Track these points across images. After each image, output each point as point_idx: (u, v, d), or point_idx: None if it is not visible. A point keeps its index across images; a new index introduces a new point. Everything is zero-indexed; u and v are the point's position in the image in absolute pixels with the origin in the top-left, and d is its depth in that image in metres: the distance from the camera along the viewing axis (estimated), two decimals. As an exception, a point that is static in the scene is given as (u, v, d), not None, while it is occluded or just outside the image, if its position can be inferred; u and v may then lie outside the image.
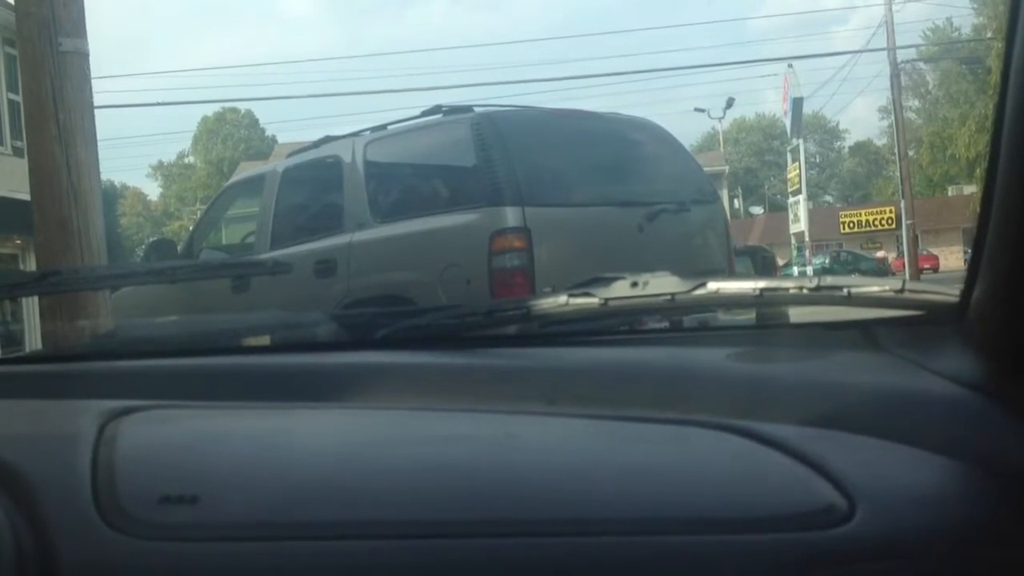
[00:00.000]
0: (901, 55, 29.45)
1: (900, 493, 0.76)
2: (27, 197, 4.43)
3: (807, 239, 27.46)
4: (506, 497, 0.77)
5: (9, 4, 7.82)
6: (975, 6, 40.13)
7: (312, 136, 6.77)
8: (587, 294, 1.11)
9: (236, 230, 8.27)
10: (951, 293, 0.94)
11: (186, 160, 68.83)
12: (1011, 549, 0.73)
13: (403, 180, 5.95)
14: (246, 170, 14.84)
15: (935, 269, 36.41)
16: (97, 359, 1.26)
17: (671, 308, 1.11)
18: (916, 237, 28.19)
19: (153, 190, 70.44)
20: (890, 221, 40.03)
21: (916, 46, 42.37)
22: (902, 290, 0.99)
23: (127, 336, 1.74)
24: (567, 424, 0.93)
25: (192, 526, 0.71)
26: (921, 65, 45.78)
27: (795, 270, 26.60)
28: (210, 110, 63.17)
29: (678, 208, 5.48)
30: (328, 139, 6.32)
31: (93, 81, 4.41)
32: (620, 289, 1.11)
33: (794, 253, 28.30)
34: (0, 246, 15.76)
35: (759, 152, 67.04)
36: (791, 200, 29.29)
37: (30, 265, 14.21)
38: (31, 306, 10.76)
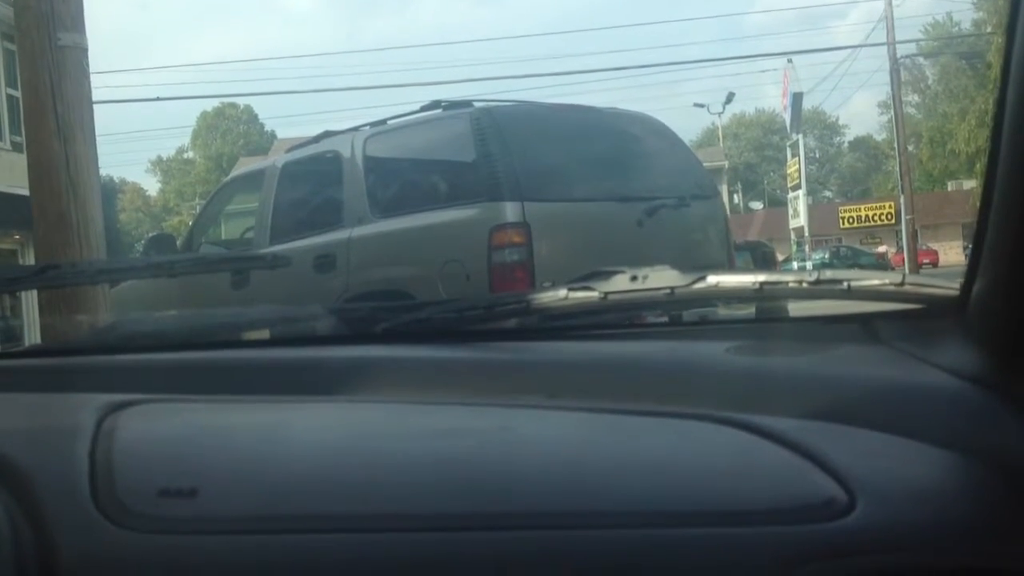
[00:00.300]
0: (901, 50, 29.47)
1: (900, 486, 0.76)
2: (26, 192, 4.43)
3: (807, 234, 27.50)
4: (506, 490, 0.77)
5: (8, -1, 7.81)
6: (975, 1, 40.15)
7: (311, 131, 6.78)
8: (587, 288, 1.11)
9: (235, 225, 8.27)
10: (951, 287, 0.94)
11: (185, 155, 68.82)
12: (1011, 542, 0.73)
13: (402, 175, 5.94)
14: (245, 165, 14.84)
15: (934, 264, 36.43)
16: (96, 353, 1.26)
17: (671, 302, 1.11)
18: (915, 232, 28.20)
19: (152, 185, 70.51)
20: (889, 216, 40.06)
21: (916, 41, 42.45)
22: (902, 283, 0.99)
23: (126, 330, 1.73)
24: (567, 418, 0.93)
25: (190, 519, 0.71)
26: (921, 60, 45.83)
27: (795, 265, 26.64)
28: (209, 105, 63.23)
29: (677, 203, 5.48)
30: (327, 134, 6.31)
31: (92, 76, 4.41)
32: (620, 283, 1.11)
33: (794, 248, 28.34)
34: (0, 241, 15.76)
35: (759, 147, 67.04)
36: (791, 195, 29.34)
37: (29, 260, 14.21)
38: (30, 300, 10.77)
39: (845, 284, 1.01)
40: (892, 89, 28.60)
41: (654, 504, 0.74)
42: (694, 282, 1.07)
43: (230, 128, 64.78)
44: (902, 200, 27.86)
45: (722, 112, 45.40)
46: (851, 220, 44.93)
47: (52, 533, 0.69)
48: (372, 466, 0.81)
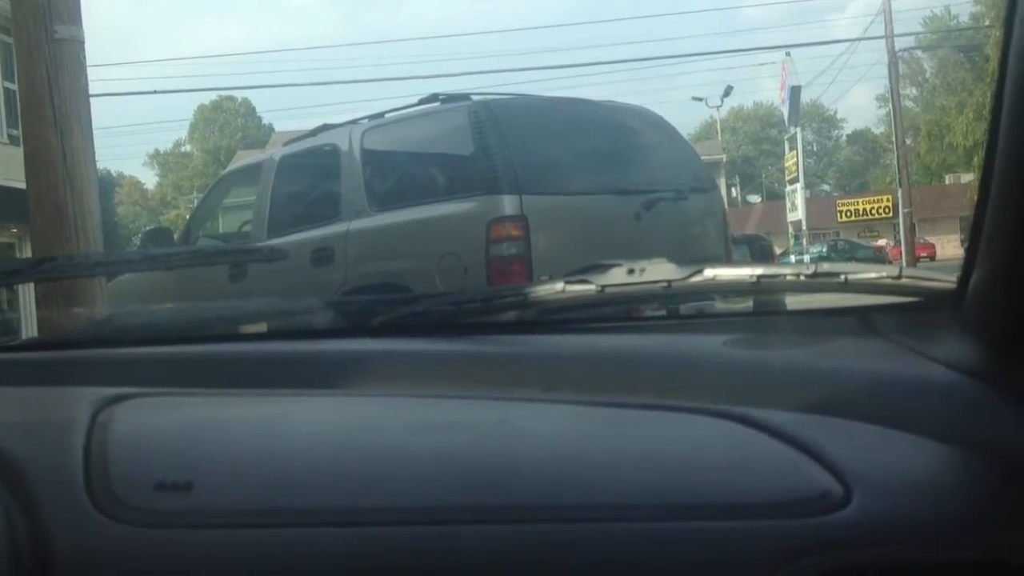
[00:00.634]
0: (899, 43, 29.44)
1: (896, 479, 0.76)
2: (23, 185, 4.43)
3: (804, 228, 27.50)
4: (503, 483, 0.77)
5: (4, -9, 7.80)
6: (973, -6, 40.14)
7: (309, 124, 6.77)
8: (584, 281, 1.11)
9: (233, 219, 8.27)
10: (948, 279, 0.94)
11: (183, 149, 68.75)
12: (1008, 534, 0.73)
13: (400, 168, 5.94)
14: (243, 159, 14.82)
15: (932, 258, 36.44)
16: (92, 346, 1.26)
17: (668, 295, 1.11)
18: (913, 225, 28.18)
19: (150, 179, 70.41)
20: (887, 210, 40.08)
21: (914, 34, 42.41)
22: (899, 276, 0.99)
23: (122, 323, 1.73)
24: (564, 411, 0.93)
25: (186, 513, 0.71)
26: (919, 53, 45.84)
27: (792, 259, 26.65)
28: (207, 98, 63.12)
29: (675, 196, 5.48)
30: (325, 127, 6.31)
31: (89, 69, 4.40)
32: (617, 276, 1.11)
33: (791, 242, 28.36)
34: (-4, 235, 15.75)
35: (757, 141, 67.03)
36: (788, 189, 29.34)
37: (27, 254, 14.20)
38: (27, 293, 10.76)
39: (842, 277, 1.01)
40: (890, 82, 28.57)
41: (651, 497, 0.74)
42: (691, 275, 1.07)
43: (228, 121, 64.71)
44: (900, 193, 27.86)
45: (720, 105, 45.42)
46: (849, 214, 44.94)
47: (47, 526, 0.68)
48: (369, 459, 0.80)
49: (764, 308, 1.26)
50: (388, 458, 0.81)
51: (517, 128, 5.30)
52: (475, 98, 5.59)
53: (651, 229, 5.22)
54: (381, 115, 5.98)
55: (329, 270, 5.43)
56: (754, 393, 0.88)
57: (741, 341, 1.05)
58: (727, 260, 6.00)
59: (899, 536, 0.71)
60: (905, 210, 27.00)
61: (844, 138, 72.00)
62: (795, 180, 27.85)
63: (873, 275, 1.01)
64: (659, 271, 1.09)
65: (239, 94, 61.94)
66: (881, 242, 38.53)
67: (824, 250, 34.83)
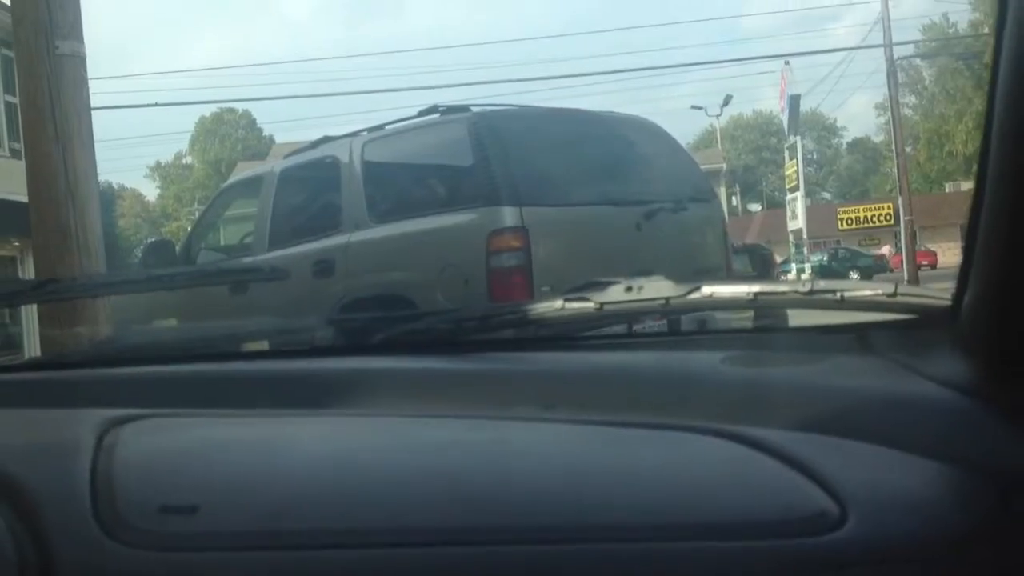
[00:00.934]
0: (898, 51, 29.44)
1: (892, 498, 0.76)
2: (24, 199, 4.44)
3: (805, 236, 27.47)
4: (502, 503, 0.77)
5: (5, 6, 7.82)
6: (971, 2, 40.19)
7: (310, 136, 6.78)
8: (583, 298, 1.12)
9: (234, 231, 8.28)
10: (943, 297, 0.94)
11: (184, 161, 68.80)
12: (1004, 552, 0.73)
13: (401, 180, 5.95)
14: (244, 170, 14.84)
15: (933, 265, 36.42)
16: (95, 366, 1.27)
17: (666, 312, 1.11)
18: (914, 233, 28.13)
19: (151, 191, 70.46)
20: (888, 217, 40.04)
21: (913, 42, 42.40)
22: (895, 294, 1.00)
23: (125, 343, 1.74)
24: (562, 429, 0.93)
25: (192, 536, 0.71)
26: (918, 61, 45.81)
27: (793, 267, 26.62)
28: (207, 110, 63.20)
29: (675, 207, 5.49)
30: (326, 139, 6.32)
31: (90, 82, 4.42)
32: (615, 293, 1.11)
33: (792, 250, 28.32)
34: (-2, 248, 15.75)
35: (757, 149, 67.06)
36: (789, 197, 29.32)
37: (28, 267, 14.19)
38: (30, 312, 10.77)
39: (838, 294, 1.01)
40: (889, 91, 28.56)
41: (648, 517, 0.75)
42: (689, 292, 1.08)
43: (228, 133, 64.79)
44: (900, 201, 27.83)
45: (720, 114, 45.45)
46: (850, 221, 44.91)
47: (54, 549, 0.69)
48: (370, 480, 0.81)
49: (762, 325, 1.27)
50: (389, 478, 0.81)
51: (516, 139, 5.31)
52: (474, 110, 5.61)
53: (651, 239, 5.23)
54: (381, 127, 6.00)
55: (330, 282, 5.44)
56: (751, 411, 0.89)
57: (739, 358, 1.06)
58: (727, 270, 6.01)
59: (895, 555, 0.72)
60: (906, 218, 26.97)
61: (844, 146, 72.05)
62: (795, 188, 27.83)
63: (869, 292, 1.01)
64: (657, 288, 1.10)
65: (239, 106, 62.07)
66: (884, 249, 38.49)
67: (825, 258, 34.81)
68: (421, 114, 5.82)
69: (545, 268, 4.83)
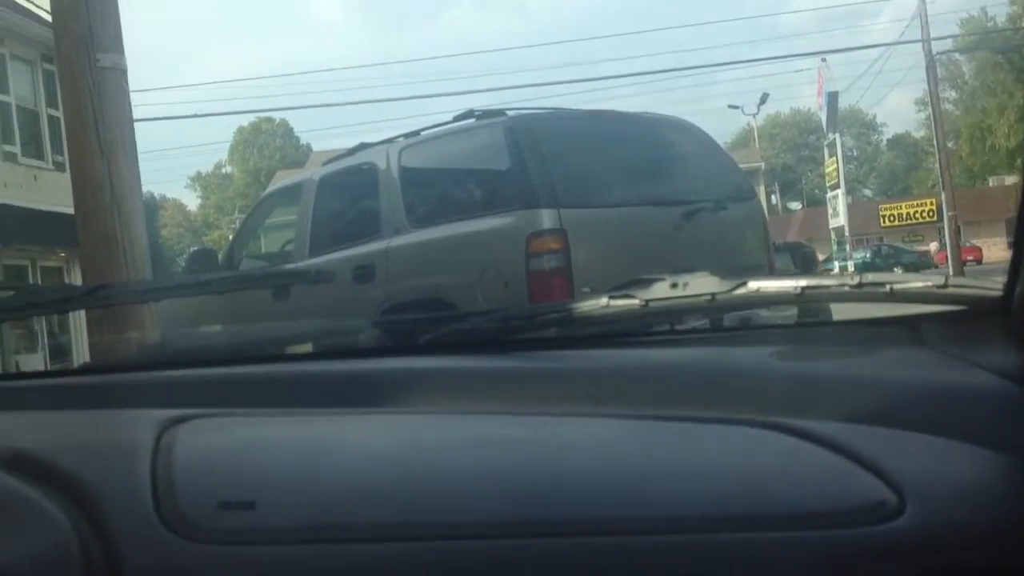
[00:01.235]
0: (936, 46, 29.12)
1: (949, 487, 0.76)
2: (70, 211, 4.51)
3: (847, 234, 27.24)
4: (552, 498, 0.78)
5: (47, 22, 7.96)
6: (1010, -6, 39.63)
7: (347, 144, 6.83)
8: (627, 296, 1.12)
9: (275, 238, 8.34)
10: (994, 287, 0.94)
11: (224, 170, 69.50)
12: None
13: (438, 185, 5.97)
14: (283, 179, 14.95)
15: (978, 261, 35.92)
16: (149, 369, 1.29)
17: (712, 308, 1.11)
18: (958, 229, 27.81)
19: (192, 201, 71.28)
20: (931, 213, 39.55)
21: (951, 37, 41.85)
22: (945, 285, 0.99)
23: (176, 346, 1.77)
24: (612, 425, 0.93)
25: (251, 531, 0.73)
26: (957, 56, 45.25)
27: (835, 265, 26.39)
28: (246, 120, 63.81)
29: (715, 206, 5.45)
30: (363, 146, 6.36)
31: (131, 95, 4.48)
32: (660, 290, 1.11)
33: (834, 248, 28.10)
34: (45, 259, 16.00)
35: (795, 147, 66.52)
36: (830, 195, 29.12)
37: (75, 277, 14.40)
38: (78, 318, 10.93)
39: (888, 287, 1.01)
40: (929, 86, 28.24)
41: (704, 509, 0.75)
42: (735, 288, 1.08)
43: (267, 142, 65.34)
44: (943, 197, 27.53)
45: (757, 113, 45.05)
46: (892, 218, 44.40)
47: (118, 546, 0.71)
48: (422, 476, 0.82)
49: (809, 319, 1.26)
50: (441, 474, 0.82)
51: (553, 142, 5.31)
52: (510, 113, 5.61)
53: (691, 240, 5.20)
54: (417, 133, 6.02)
55: (370, 287, 5.47)
56: (803, 404, 0.89)
57: (787, 352, 1.06)
58: (769, 269, 5.96)
59: (953, 543, 0.72)
60: (949, 213, 26.67)
61: (884, 143, 71.29)
62: (836, 186, 27.64)
63: (919, 284, 1.00)
64: (702, 284, 1.10)
65: (277, 115, 62.58)
66: (932, 246, 37.91)
67: (868, 256, 34.43)
68: (457, 119, 5.83)
69: (584, 270, 4.82)
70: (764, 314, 1.34)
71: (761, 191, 32.39)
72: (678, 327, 1.31)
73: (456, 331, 1.30)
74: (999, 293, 0.90)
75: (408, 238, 5.48)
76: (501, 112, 5.67)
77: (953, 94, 49.19)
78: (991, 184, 43.94)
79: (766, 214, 7.12)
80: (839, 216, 27.45)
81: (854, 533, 0.71)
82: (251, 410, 1.01)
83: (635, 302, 1.11)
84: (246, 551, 0.71)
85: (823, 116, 28.97)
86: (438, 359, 1.18)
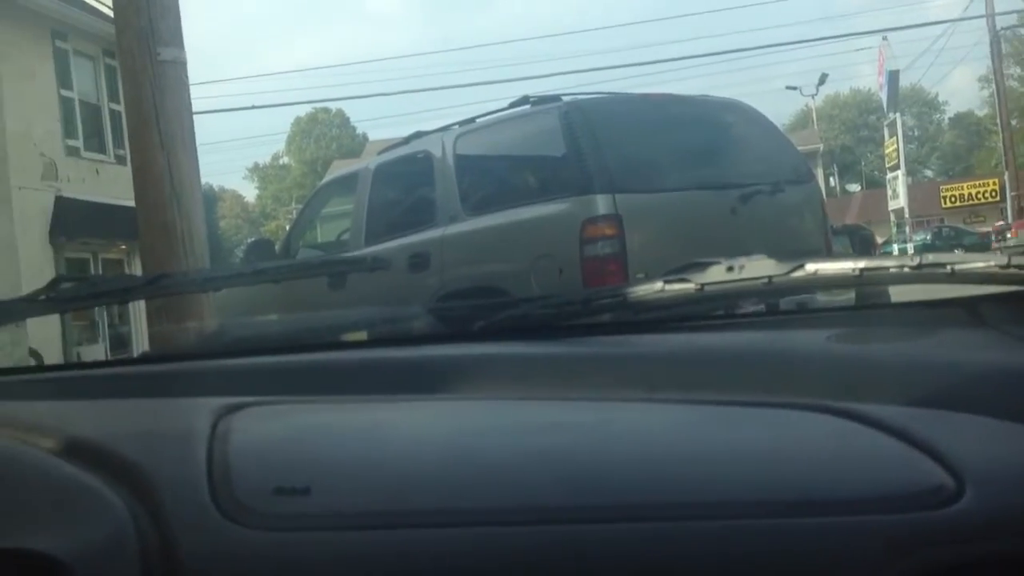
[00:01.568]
0: (1001, 21, 28.45)
1: (1009, 471, 0.74)
2: (130, 203, 4.58)
3: (907, 215, 26.80)
4: (608, 483, 0.77)
5: (108, 17, 8.10)
6: (1078, -34, 38.54)
7: (402, 132, 6.86)
8: (683, 280, 1.11)
9: (331, 228, 8.41)
10: None
11: (281, 161, 70.19)
12: None
13: (493, 172, 5.98)
14: (339, 168, 15.05)
15: (1043, 241, 35.09)
16: (206, 358, 1.30)
17: (769, 291, 1.10)
18: (1021, 209, 27.20)
19: (250, 192, 72.12)
20: (994, 194, 38.71)
21: (1017, 12, 40.80)
22: (1008, 265, 0.97)
23: (233, 335, 1.79)
24: (668, 410, 0.93)
25: (306, 516, 0.73)
26: (1022, 31, 44.13)
27: (895, 248, 25.98)
28: (302, 111, 64.38)
29: (772, 189, 5.39)
30: (418, 135, 6.38)
31: (191, 88, 4.54)
32: (716, 274, 1.10)
33: (894, 230, 27.67)
34: (106, 251, 16.31)
35: (854, 128, 65.47)
36: (889, 176, 28.65)
37: (135, 269, 14.67)
38: (137, 309, 11.13)
39: (948, 268, 0.99)
40: (992, 62, 27.65)
41: (761, 494, 0.74)
42: (792, 270, 1.06)
43: (323, 132, 65.85)
44: (1007, 176, 26.93)
45: (815, 94, 44.43)
46: (953, 199, 43.52)
47: (175, 532, 0.72)
48: (475, 463, 0.82)
49: (868, 301, 1.24)
50: (496, 460, 0.82)
51: (609, 127, 5.28)
52: (566, 99, 5.60)
53: (748, 223, 5.15)
54: (472, 120, 6.02)
55: (426, 275, 5.49)
56: (861, 388, 0.87)
57: (846, 335, 1.04)
58: (827, 252, 5.88)
59: (1014, 529, 0.70)
60: (1012, 193, 26.10)
61: (946, 122, 69.82)
62: (896, 167, 27.18)
63: (980, 264, 0.98)
64: (759, 267, 1.08)
65: (333, 105, 63.03)
66: (999, 224, 37.05)
67: (928, 237, 33.80)
68: (512, 106, 5.83)
69: (639, 255, 4.80)
70: (821, 298, 1.32)
71: (819, 173, 31.97)
72: (734, 311, 1.29)
73: (510, 317, 1.30)
74: None
75: (463, 226, 5.50)
76: (556, 98, 5.65)
77: (1018, 70, 48.04)
78: (1057, 163, 42.91)
79: (824, 196, 7.02)
80: (899, 198, 26.99)
81: (911, 518, 0.70)
82: (306, 398, 1.02)
83: (690, 286, 1.10)
84: (301, 536, 0.72)
85: (883, 96, 28.46)
86: (492, 345, 1.19)
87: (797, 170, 5.91)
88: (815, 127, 46.67)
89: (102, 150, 16.14)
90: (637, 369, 1.03)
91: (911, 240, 27.24)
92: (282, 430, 0.92)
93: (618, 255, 4.83)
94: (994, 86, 29.53)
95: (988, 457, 0.76)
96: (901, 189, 26.87)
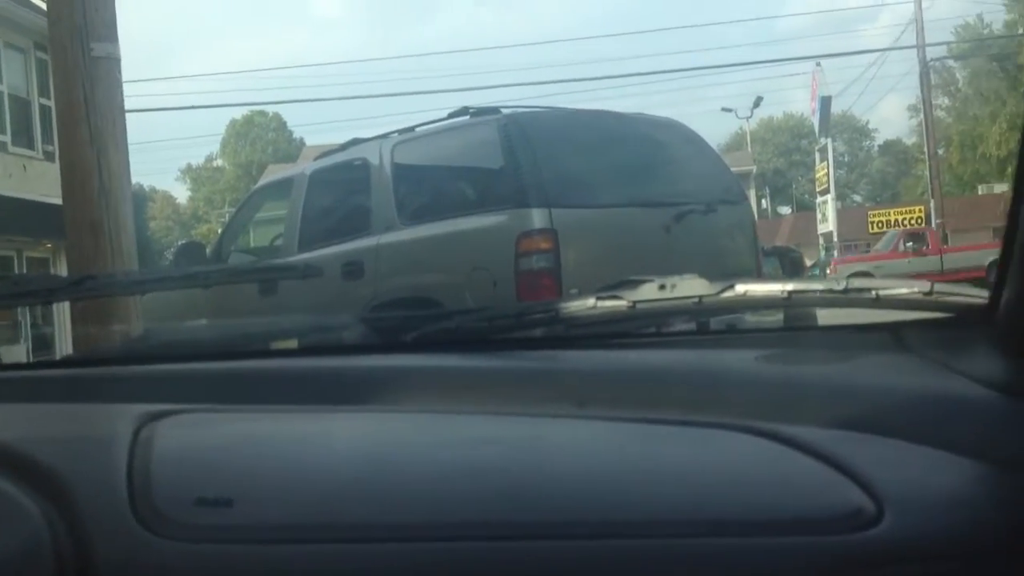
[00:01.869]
0: (931, 52, 29.21)
1: (928, 496, 0.76)
2: (57, 201, 4.49)
3: (836, 239, 27.30)
4: (535, 499, 0.77)
5: (40, 9, 7.93)
6: (1006, 2, 39.77)
7: (340, 139, 6.81)
8: (615, 296, 1.11)
9: (265, 233, 8.33)
10: (980, 295, 0.94)
11: (215, 163, 69.24)
12: None
13: (430, 182, 5.97)
14: (274, 173, 14.90)
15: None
16: (131, 363, 1.28)
17: (699, 311, 1.11)
18: (946, 236, 27.90)
19: (182, 193, 71.01)
20: (920, 220, 39.63)
21: (946, 43, 41.92)
22: (931, 292, 0.99)
23: (159, 340, 1.76)
24: (596, 427, 0.93)
25: (227, 528, 0.72)
26: (951, 63, 45.33)
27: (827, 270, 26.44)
28: (238, 113, 63.61)
29: (705, 209, 5.46)
30: (356, 141, 6.35)
31: (124, 85, 4.46)
32: (648, 292, 1.11)
33: (822, 253, 28.15)
34: (31, 250, 15.94)
35: (787, 152, 66.56)
36: (819, 200, 29.17)
37: (61, 268, 14.35)
38: (62, 310, 10.90)
39: (873, 293, 1.01)
40: (922, 92, 28.37)
41: (684, 514, 0.75)
42: (722, 291, 1.07)
43: (259, 136, 65.13)
44: (932, 204, 27.62)
45: (750, 116, 45.04)
46: (881, 224, 44.34)
47: (91, 541, 0.70)
48: (403, 475, 0.82)
49: (795, 323, 1.26)
50: (422, 474, 0.82)
51: (546, 141, 5.31)
52: (504, 111, 5.61)
53: (681, 242, 5.21)
54: (411, 129, 6.01)
55: (359, 284, 5.46)
56: (786, 409, 0.88)
57: (772, 357, 1.05)
58: (757, 272, 5.97)
59: (932, 552, 0.71)
60: (938, 221, 26.76)
61: (876, 149, 71.34)
62: (826, 191, 27.69)
63: (904, 291, 1.00)
64: (690, 287, 1.09)
65: (270, 108, 62.38)
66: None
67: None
68: (451, 116, 5.83)
69: (574, 270, 4.83)
70: (751, 318, 1.34)
71: (752, 195, 32.43)
72: (665, 329, 1.30)
73: (443, 329, 1.30)
74: (984, 301, 0.90)
75: (398, 235, 5.48)
76: (495, 110, 5.67)
77: (946, 101, 49.30)
78: (980, 192, 44.06)
79: (756, 218, 7.14)
80: (828, 221, 27.50)
81: (831, 540, 0.71)
82: (233, 406, 1.00)
83: (623, 303, 1.11)
84: (220, 549, 0.70)
85: (816, 121, 29.00)
86: (424, 357, 1.18)
87: (730, 191, 6.00)
88: (749, 149, 47.34)
89: (30, 146, 15.80)
90: (567, 384, 1.03)
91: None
92: (206, 439, 0.90)
93: (552, 270, 4.85)
94: (922, 115, 30.28)
95: (908, 482, 0.77)
96: (831, 213, 27.38)
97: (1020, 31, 35.58)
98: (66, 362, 1.57)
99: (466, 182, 5.79)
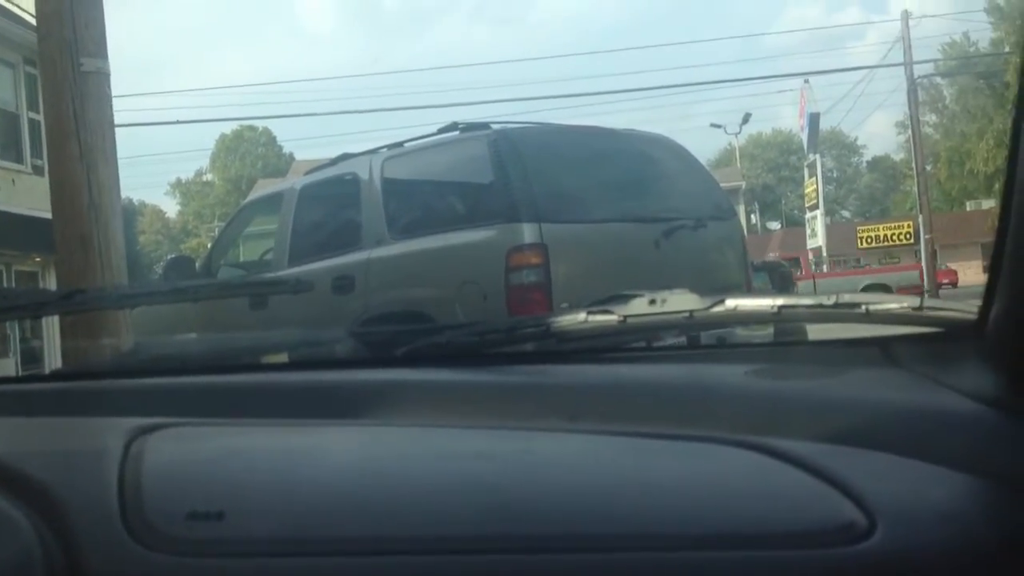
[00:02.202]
0: (918, 70, 29.36)
1: (920, 509, 0.76)
2: (46, 215, 4.48)
3: (825, 254, 27.39)
4: (527, 513, 0.77)
5: (30, 24, 7.93)
6: (992, 20, 40.08)
7: (329, 153, 6.82)
8: (606, 311, 1.12)
9: (254, 247, 8.32)
10: (969, 310, 0.94)
11: (204, 178, 69.19)
12: None
13: (420, 197, 5.97)
14: (264, 187, 14.90)
15: (954, 284, 36.12)
16: (121, 377, 1.27)
17: (689, 325, 1.11)
18: (934, 252, 27.99)
19: (172, 207, 70.96)
20: (908, 236, 39.78)
21: (933, 61, 42.18)
22: (920, 307, 0.99)
23: (150, 354, 1.75)
24: (587, 441, 0.93)
25: (219, 541, 0.72)
26: (938, 80, 45.64)
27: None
28: (228, 128, 63.60)
29: (695, 224, 5.48)
30: (345, 156, 6.35)
31: (113, 99, 4.46)
32: (639, 306, 1.11)
33: (812, 269, 28.22)
34: (20, 264, 15.88)
35: (776, 168, 66.88)
36: (808, 215, 29.26)
37: (50, 282, 14.31)
38: (51, 324, 10.85)
39: (863, 307, 1.01)
40: (910, 109, 28.50)
41: (675, 527, 0.75)
42: (712, 305, 1.08)
43: (249, 150, 65.16)
44: (920, 220, 27.73)
45: (739, 132, 45.26)
46: (869, 240, 44.55)
47: (82, 555, 0.70)
48: (395, 489, 0.81)
49: (785, 338, 1.26)
50: (413, 488, 0.82)
51: (536, 156, 5.32)
52: (494, 127, 5.62)
53: (671, 257, 5.22)
54: (401, 144, 6.02)
55: (349, 298, 5.46)
56: (776, 423, 0.89)
57: (763, 371, 1.06)
58: (747, 287, 5.99)
59: (923, 566, 0.72)
60: (926, 236, 26.87)
61: (864, 165, 71.74)
62: (815, 207, 27.80)
63: (894, 305, 1.01)
64: (681, 301, 1.10)
65: (260, 123, 62.42)
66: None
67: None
68: (441, 131, 5.84)
69: (564, 284, 4.84)
70: (741, 332, 1.34)
71: (741, 210, 32.55)
72: (655, 344, 1.31)
73: (433, 344, 1.30)
74: (974, 316, 0.91)
75: (388, 250, 5.48)
76: (485, 125, 5.68)
77: (933, 118, 49.60)
78: (968, 208, 44.30)
79: (745, 233, 7.16)
80: (817, 237, 27.60)
81: (823, 554, 0.71)
82: (224, 420, 1.00)
83: (613, 318, 1.11)
84: (212, 563, 0.70)
85: (804, 137, 29.15)
86: (414, 371, 1.18)
87: (720, 206, 6.02)
88: (738, 165, 47.58)
89: (19, 160, 15.75)
90: (558, 399, 1.03)
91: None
92: (197, 453, 0.90)
93: (542, 284, 4.86)
94: (910, 132, 30.41)
95: (899, 495, 0.77)
96: (820, 229, 27.47)
97: (1006, 49, 35.84)
98: (56, 376, 1.56)
99: (456, 197, 5.80)
